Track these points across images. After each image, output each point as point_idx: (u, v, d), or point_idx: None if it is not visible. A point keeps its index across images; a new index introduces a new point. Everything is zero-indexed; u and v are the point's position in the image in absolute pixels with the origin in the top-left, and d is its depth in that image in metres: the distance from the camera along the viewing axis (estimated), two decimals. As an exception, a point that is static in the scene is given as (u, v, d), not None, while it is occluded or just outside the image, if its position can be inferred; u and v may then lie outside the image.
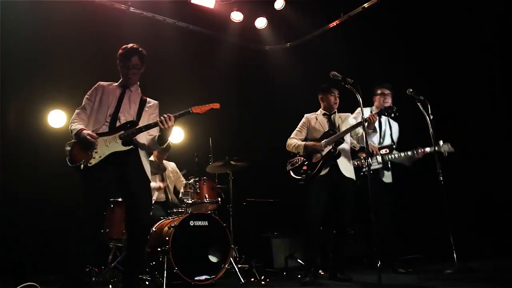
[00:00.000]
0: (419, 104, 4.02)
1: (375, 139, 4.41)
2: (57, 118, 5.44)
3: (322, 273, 4.43)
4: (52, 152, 5.26)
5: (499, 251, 4.56)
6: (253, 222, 5.80)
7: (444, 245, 3.68)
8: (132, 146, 3.05)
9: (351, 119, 4.04)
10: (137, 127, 3.09)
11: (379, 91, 4.50)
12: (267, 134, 6.87)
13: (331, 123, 3.95)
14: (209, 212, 4.45)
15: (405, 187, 5.33)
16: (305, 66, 6.89)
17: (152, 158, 4.92)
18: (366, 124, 3.53)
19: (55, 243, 4.87)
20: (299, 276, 4.19)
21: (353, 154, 4.16)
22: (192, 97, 6.54)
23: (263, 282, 4.04)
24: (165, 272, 3.65)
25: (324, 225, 5.21)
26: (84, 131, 3.00)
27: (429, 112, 3.96)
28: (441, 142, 4.00)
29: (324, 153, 3.80)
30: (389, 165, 4.32)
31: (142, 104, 3.24)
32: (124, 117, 3.14)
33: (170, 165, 5.20)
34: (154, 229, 4.12)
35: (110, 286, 3.80)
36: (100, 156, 2.98)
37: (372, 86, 4.59)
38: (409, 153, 4.18)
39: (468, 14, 5.10)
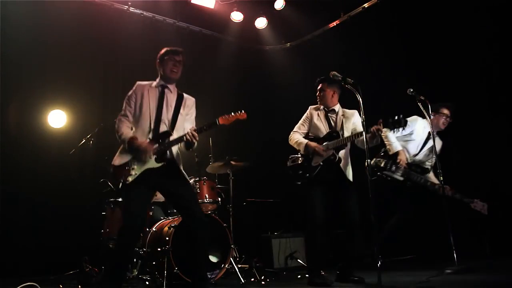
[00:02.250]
0: (419, 104, 4.01)
1: (411, 148, 4.33)
2: (57, 118, 5.43)
3: (322, 273, 4.43)
4: (52, 152, 5.27)
5: (499, 251, 4.56)
6: (253, 222, 5.81)
7: (444, 245, 3.68)
8: (164, 163, 3.02)
9: (357, 118, 3.82)
10: (168, 141, 3.06)
11: (442, 111, 4.35)
12: (267, 134, 6.87)
13: (329, 122, 3.89)
14: (209, 212, 4.45)
15: (405, 186, 5.34)
16: (305, 66, 6.90)
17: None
18: (369, 135, 3.36)
19: (55, 243, 4.88)
20: (299, 276, 4.19)
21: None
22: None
23: (263, 282, 4.03)
24: (165, 272, 3.65)
25: (326, 226, 5.22)
26: (134, 140, 3.00)
27: (430, 112, 3.96)
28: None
29: (324, 157, 3.70)
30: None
31: (178, 105, 3.20)
32: (164, 124, 3.12)
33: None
34: (154, 229, 4.12)
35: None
36: (136, 174, 2.97)
37: (372, 86, 4.59)
38: (437, 184, 4.15)
39: (468, 14, 5.10)
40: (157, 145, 3.04)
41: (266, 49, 7.62)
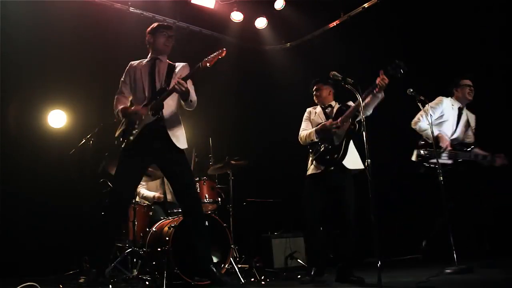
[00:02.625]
0: (419, 104, 4.01)
1: (447, 129, 4.21)
2: (57, 118, 5.43)
3: (313, 272, 4.42)
4: (52, 152, 5.27)
5: (499, 251, 4.56)
6: (253, 222, 5.81)
7: (444, 245, 3.68)
8: (158, 115, 3.14)
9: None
10: (161, 96, 3.16)
11: (463, 82, 4.28)
12: (267, 134, 6.88)
13: (326, 115, 3.89)
14: (209, 212, 4.45)
15: (405, 187, 5.34)
16: (305, 66, 6.89)
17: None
18: (376, 90, 3.44)
19: (55, 243, 4.88)
20: (299, 276, 4.19)
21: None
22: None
23: (263, 282, 4.04)
24: (165, 272, 3.65)
25: (324, 225, 5.22)
26: (126, 108, 3.21)
27: (429, 112, 3.95)
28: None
29: (345, 128, 3.61)
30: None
31: (170, 70, 3.33)
32: (160, 87, 3.26)
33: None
34: (154, 229, 4.12)
35: (110, 286, 3.80)
36: (137, 131, 3.10)
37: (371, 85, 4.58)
38: (487, 156, 4.06)
39: (468, 13, 5.10)
40: (153, 102, 3.14)
41: (266, 49, 7.61)
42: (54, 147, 5.30)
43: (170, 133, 3.17)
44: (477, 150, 4.16)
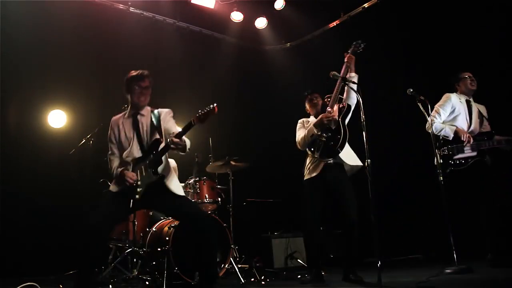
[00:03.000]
0: (419, 104, 4.01)
1: (462, 123, 4.16)
2: (57, 118, 5.42)
3: (322, 273, 4.43)
4: (52, 152, 5.27)
5: (499, 251, 4.55)
6: (253, 222, 5.81)
7: (444, 245, 3.68)
8: (158, 174, 3.06)
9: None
10: (158, 150, 3.09)
11: (462, 75, 4.29)
12: (267, 134, 6.88)
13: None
14: (209, 212, 4.45)
15: (405, 187, 5.34)
16: (305, 66, 6.90)
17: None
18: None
19: (55, 243, 4.87)
20: (299, 276, 4.19)
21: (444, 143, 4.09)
22: (192, 97, 6.57)
23: (263, 282, 4.04)
24: (165, 272, 3.65)
25: (324, 224, 5.23)
26: (119, 169, 3.10)
27: (430, 112, 3.95)
28: None
29: (336, 113, 3.66)
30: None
31: (153, 123, 3.21)
32: (146, 141, 3.18)
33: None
34: (154, 229, 4.12)
35: (110, 286, 3.80)
36: (141, 189, 3.03)
37: (372, 86, 4.59)
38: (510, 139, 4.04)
39: (468, 13, 5.10)
40: (151, 156, 3.07)
41: (266, 49, 7.62)
42: (54, 147, 5.30)
43: (169, 185, 3.12)
44: (498, 137, 4.11)
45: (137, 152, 3.13)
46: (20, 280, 3.53)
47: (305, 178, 3.83)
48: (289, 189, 4.65)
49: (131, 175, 3.00)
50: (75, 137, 5.08)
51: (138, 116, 3.22)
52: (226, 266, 4.09)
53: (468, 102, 4.25)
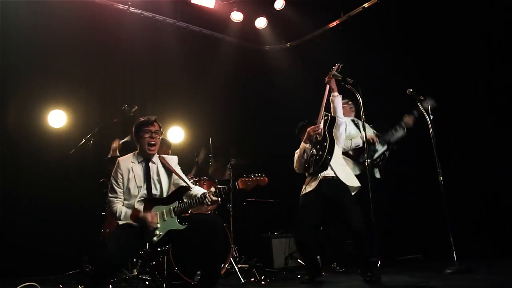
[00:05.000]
0: (419, 104, 4.01)
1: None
2: (57, 118, 5.42)
3: (322, 273, 4.43)
4: (52, 152, 5.27)
5: (499, 251, 4.56)
6: (253, 222, 5.81)
7: (444, 245, 3.68)
8: (187, 224, 2.99)
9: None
10: (180, 201, 3.05)
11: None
12: (267, 134, 6.88)
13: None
14: (209, 212, 4.44)
15: (405, 186, 5.34)
16: (305, 66, 6.90)
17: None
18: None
19: (55, 243, 4.87)
20: (299, 276, 4.19)
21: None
22: (192, 96, 6.58)
23: (263, 282, 4.03)
24: (165, 272, 3.65)
25: (324, 225, 5.22)
26: (129, 211, 2.99)
27: (429, 112, 3.95)
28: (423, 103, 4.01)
29: (322, 125, 3.78)
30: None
31: (164, 173, 3.19)
32: (158, 190, 3.14)
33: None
34: (154, 229, 4.11)
35: (110, 286, 3.80)
36: (161, 234, 2.96)
37: (372, 86, 4.59)
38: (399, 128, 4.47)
39: (468, 13, 5.10)
40: (176, 203, 3.02)
41: (266, 49, 7.62)
42: (54, 147, 5.30)
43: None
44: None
45: (147, 198, 3.07)
46: (20, 280, 3.53)
47: (302, 193, 3.85)
48: (289, 189, 4.64)
49: (153, 220, 2.91)
50: (75, 137, 5.08)
51: (150, 164, 3.14)
52: (226, 266, 4.09)
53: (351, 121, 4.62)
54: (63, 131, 5.44)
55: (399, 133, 4.51)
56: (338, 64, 3.96)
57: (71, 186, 5.19)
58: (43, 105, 5.39)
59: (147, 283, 3.96)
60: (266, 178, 3.01)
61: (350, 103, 4.63)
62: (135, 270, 4.26)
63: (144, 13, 6.33)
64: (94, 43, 5.81)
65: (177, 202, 3.03)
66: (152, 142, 3.10)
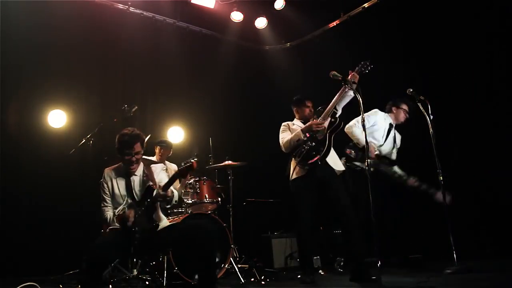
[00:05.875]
0: (419, 104, 4.01)
1: (377, 137, 4.46)
2: (57, 118, 5.42)
3: (322, 273, 4.43)
4: (52, 152, 5.27)
5: (499, 251, 4.56)
6: (253, 222, 5.80)
7: (444, 245, 3.68)
8: (154, 222, 3.09)
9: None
10: (149, 200, 3.09)
11: (402, 106, 4.64)
12: (267, 134, 6.86)
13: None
14: (209, 212, 4.45)
15: (405, 186, 5.34)
16: (305, 66, 6.90)
17: (154, 158, 4.91)
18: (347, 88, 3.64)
19: (55, 243, 4.87)
20: (299, 276, 4.20)
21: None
22: (192, 96, 6.58)
23: (263, 282, 4.04)
24: (165, 272, 3.65)
25: (323, 225, 5.23)
26: (120, 214, 3.07)
27: (429, 112, 3.95)
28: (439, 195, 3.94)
29: (326, 124, 3.74)
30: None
31: (146, 183, 3.20)
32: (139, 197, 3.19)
33: (172, 167, 5.19)
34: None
35: (110, 286, 3.80)
36: (138, 236, 3.00)
37: (372, 85, 4.59)
38: (403, 175, 4.43)
39: (468, 13, 5.10)
40: (145, 203, 3.07)
41: (266, 49, 7.62)
42: (54, 147, 5.29)
43: (160, 227, 3.15)
44: (396, 169, 4.48)
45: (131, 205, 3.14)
46: (20, 280, 3.52)
47: (292, 178, 3.84)
48: (289, 189, 4.63)
49: (130, 214, 3.00)
50: (75, 137, 5.07)
51: (132, 177, 3.20)
52: (226, 266, 4.09)
53: (390, 125, 4.60)
54: (63, 131, 5.44)
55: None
56: (367, 65, 3.90)
57: (71, 186, 5.19)
58: (43, 105, 5.39)
59: (147, 283, 3.96)
60: (194, 162, 2.99)
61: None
62: (135, 270, 4.26)
63: (144, 13, 6.33)
64: (94, 43, 5.80)
65: (145, 201, 3.09)
66: (133, 165, 3.15)
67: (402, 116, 4.63)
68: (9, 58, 5.03)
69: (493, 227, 4.72)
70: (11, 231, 4.79)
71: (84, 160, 5.07)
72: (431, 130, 3.94)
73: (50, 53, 5.47)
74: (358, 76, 3.75)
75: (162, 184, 3.06)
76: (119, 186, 3.19)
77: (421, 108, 3.99)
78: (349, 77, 3.68)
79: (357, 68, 3.83)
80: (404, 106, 4.62)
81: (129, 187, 3.18)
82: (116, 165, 3.27)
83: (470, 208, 4.83)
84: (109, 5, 6.06)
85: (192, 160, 3.04)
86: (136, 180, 3.21)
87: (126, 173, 3.20)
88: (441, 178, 3.81)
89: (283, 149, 3.96)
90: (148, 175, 3.21)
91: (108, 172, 3.25)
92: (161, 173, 3.29)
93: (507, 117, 4.75)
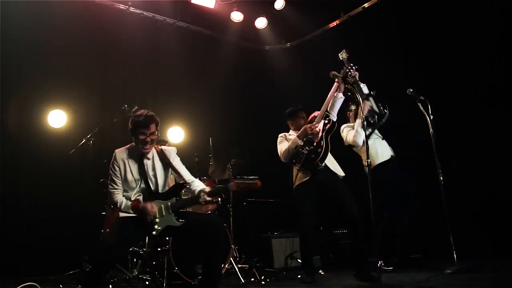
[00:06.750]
0: (419, 104, 4.01)
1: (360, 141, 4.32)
2: (57, 118, 5.42)
3: (322, 273, 4.43)
4: (52, 152, 5.27)
5: (499, 251, 4.56)
6: (253, 222, 5.80)
7: (444, 245, 3.68)
8: (184, 220, 3.01)
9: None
10: (181, 198, 3.10)
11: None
12: (267, 134, 6.86)
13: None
14: (209, 212, 4.44)
15: (405, 186, 5.33)
16: (305, 66, 6.90)
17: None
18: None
19: (55, 243, 4.87)
20: (299, 276, 4.20)
21: None
22: (192, 96, 6.58)
23: (263, 282, 4.04)
24: (165, 272, 3.65)
25: (325, 225, 5.22)
26: (129, 202, 3.01)
27: (429, 112, 3.95)
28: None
29: (321, 127, 3.78)
30: None
31: (159, 166, 3.19)
32: (154, 185, 3.14)
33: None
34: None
35: (110, 286, 3.80)
36: (160, 228, 2.97)
37: (372, 85, 4.59)
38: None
39: (468, 13, 5.09)
40: (174, 200, 3.03)
41: (266, 49, 7.62)
42: (54, 147, 5.30)
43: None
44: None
45: (146, 191, 3.08)
46: (20, 280, 3.53)
47: (295, 185, 3.86)
48: (289, 189, 4.63)
49: (153, 209, 2.93)
50: (75, 137, 5.08)
51: (145, 161, 3.14)
52: (226, 266, 4.09)
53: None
54: (63, 131, 5.44)
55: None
56: (351, 67, 3.93)
57: (71, 186, 5.19)
58: (43, 105, 5.39)
59: (147, 283, 3.96)
60: (258, 182, 3.00)
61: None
62: (135, 270, 4.27)
63: (144, 13, 6.33)
64: (94, 43, 5.80)
65: (174, 198, 3.05)
66: (147, 145, 3.09)
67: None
68: (9, 58, 5.03)
69: (493, 227, 4.72)
70: (11, 231, 4.79)
71: (84, 160, 5.08)
72: (431, 130, 3.94)
73: (50, 53, 5.47)
74: (357, 73, 3.84)
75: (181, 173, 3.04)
76: (132, 170, 3.09)
77: (421, 108, 3.99)
78: (336, 82, 3.79)
79: (341, 72, 3.88)
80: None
81: (143, 172, 3.09)
82: (127, 145, 3.18)
83: (470, 208, 4.83)
84: (109, 5, 6.06)
85: (254, 179, 3.02)
86: (149, 164, 3.14)
87: (139, 155, 3.12)
88: (441, 178, 3.81)
89: (282, 159, 3.99)
90: (166, 161, 3.14)
91: (119, 153, 3.13)
92: (176, 158, 3.25)
93: (507, 117, 4.75)
